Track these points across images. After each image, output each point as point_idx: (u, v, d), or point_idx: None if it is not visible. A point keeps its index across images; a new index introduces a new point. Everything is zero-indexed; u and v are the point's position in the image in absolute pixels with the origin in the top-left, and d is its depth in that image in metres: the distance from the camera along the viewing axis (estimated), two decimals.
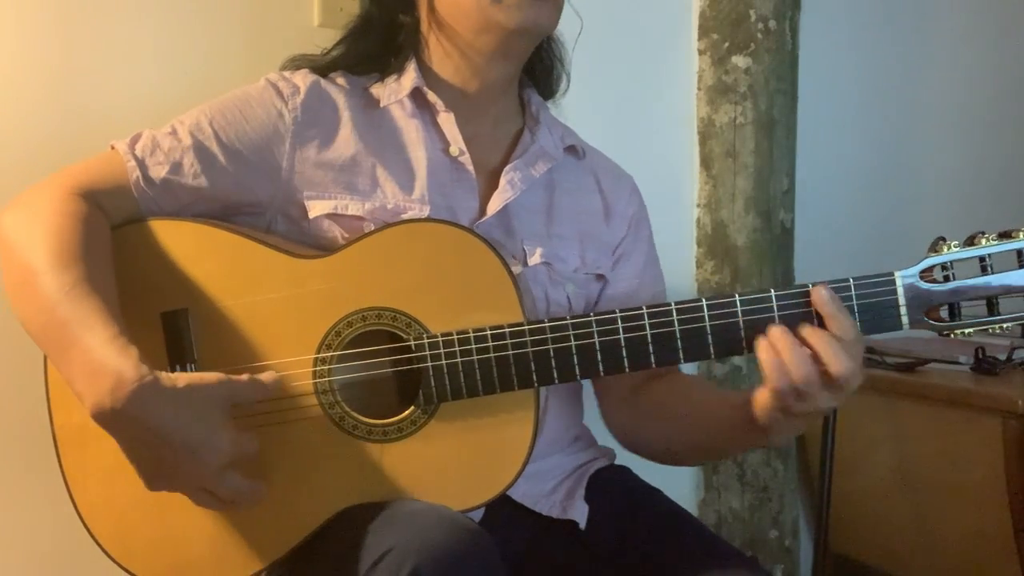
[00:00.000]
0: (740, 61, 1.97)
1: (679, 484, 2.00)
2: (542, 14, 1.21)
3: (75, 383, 1.01)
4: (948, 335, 1.12)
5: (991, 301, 1.10)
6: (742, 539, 2.01)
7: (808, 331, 1.06)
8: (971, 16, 2.36)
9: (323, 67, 1.30)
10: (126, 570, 1.15)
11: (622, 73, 1.95)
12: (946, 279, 1.10)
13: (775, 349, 1.06)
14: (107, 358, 0.99)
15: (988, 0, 2.38)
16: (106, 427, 1.00)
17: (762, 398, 1.09)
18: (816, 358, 1.05)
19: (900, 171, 2.30)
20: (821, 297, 1.08)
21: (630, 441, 1.36)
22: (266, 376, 1.09)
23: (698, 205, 2.02)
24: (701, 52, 2.00)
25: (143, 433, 1.00)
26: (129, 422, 0.99)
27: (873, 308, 1.10)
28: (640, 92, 1.98)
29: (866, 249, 2.16)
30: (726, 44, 1.97)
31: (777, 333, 1.07)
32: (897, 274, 1.10)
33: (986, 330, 1.11)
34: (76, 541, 1.17)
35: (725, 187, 1.99)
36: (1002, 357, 1.79)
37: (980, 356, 1.79)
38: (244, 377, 1.06)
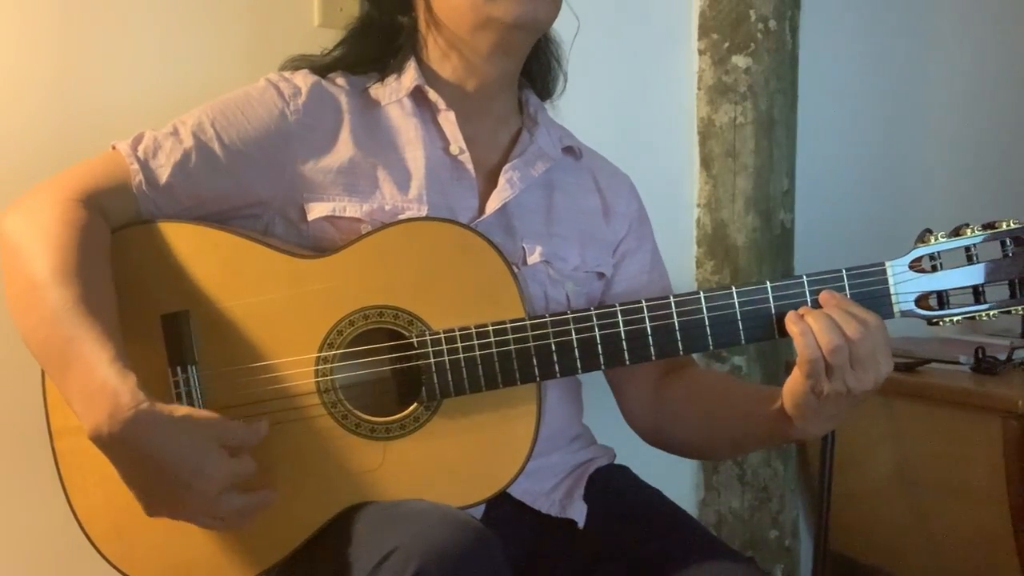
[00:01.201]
0: (740, 61, 1.97)
1: (679, 484, 2.00)
2: (539, 7, 1.21)
3: (73, 402, 1.02)
4: (937, 323, 1.16)
5: (977, 290, 1.14)
6: (742, 539, 2.01)
7: (828, 303, 1.11)
8: (971, 16, 2.36)
9: (323, 68, 1.30)
10: (124, 574, 1.15)
11: (622, 73, 1.95)
12: (934, 269, 1.14)
13: (804, 320, 1.09)
14: (107, 380, 0.99)
15: (988, 1, 2.38)
16: (103, 450, 1.00)
17: (793, 380, 1.11)
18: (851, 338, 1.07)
19: (900, 171, 2.30)
20: (829, 301, 1.11)
21: (655, 440, 1.38)
22: (263, 424, 1.08)
23: (698, 205, 2.02)
24: (701, 52, 2.00)
25: (138, 459, 1.00)
26: (124, 447, 0.99)
27: (866, 297, 1.13)
28: (640, 92, 1.98)
29: (866, 249, 2.14)
30: (726, 44, 1.97)
31: (805, 308, 1.11)
32: (888, 264, 1.14)
33: (973, 317, 1.14)
34: (73, 544, 1.16)
35: (725, 187, 1.99)
36: (1002, 357, 1.79)
37: (980, 356, 1.79)
38: (239, 422, 1.06)
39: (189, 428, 1.01)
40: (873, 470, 1.92)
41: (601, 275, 1.35)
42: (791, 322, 1.10)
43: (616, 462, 1.37)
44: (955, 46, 2.35)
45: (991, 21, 2.39)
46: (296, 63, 1.31)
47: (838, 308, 1.09)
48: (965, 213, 2.21)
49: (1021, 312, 1.13)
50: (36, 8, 1.48)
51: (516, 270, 1.16)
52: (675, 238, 1.97)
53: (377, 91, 1.28)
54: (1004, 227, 1.12)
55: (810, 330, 1.08)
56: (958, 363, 1.82)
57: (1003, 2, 2.39)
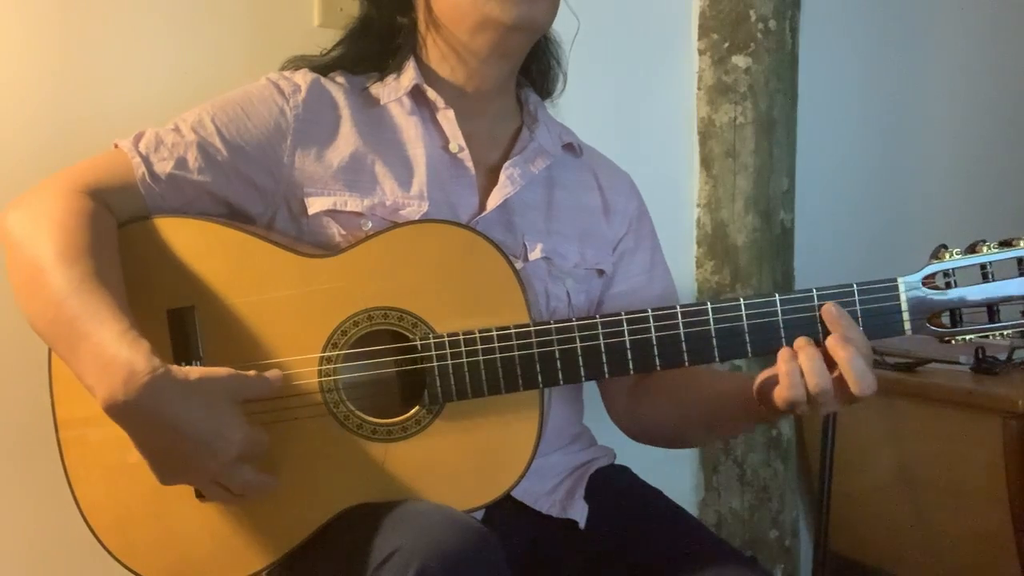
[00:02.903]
0: (740, 61, 1.97)
1: (679, 484, 2.00)
2: (537, 9, 1.22)
3: (85, 376, 1.01)
4: (949, 341, 1.13)
5: (992, 308, 1.12)
6: (742, 539, 2.01)
7: (834, 346, 1.08)
8: (971, 16, 2.37)
9: (323, 67, 1.30)
10: (127, 567, 1.15)
11: (622, 73, 1.95)
12: (948, 286, 1.11)
13: (795, 361, 1.08)
14: (119, 351, 0.99)
15: (988, 1, 2.39)
16: (118, 419, 1.00)
17: (771, 398, 1.11)
18: (840, 376, 1.07)
19: (900, 171, 2.30)
20: (831, 314, 1.10)
21: (634, 430, 1.38)
22: (272, 373, 1.08)
23: (698, 205, 2.03)
24: (701, 52, 2.01)
25: (156, 425, 1.00)
26: (142, 414, 0.99)
27: (877, 313, 1.11)
28: (640, 92, 1.98)
29: (866, 249, 2.17)
30: (726, 44, 1.98)
31: (802, 342, 1.10)
32: (900, 280, 1.12)
33: (986, 336, 1.13)
34: (77, 537, 1.16)
35: (725, 187, 1.99)
36: (1002, 357, 1.79)
37: (980, 356, 1.79)
38: (252, 373, 1.06)
39: (206, 390, 1.01)
40: (873, 470, 1.92)
41: (601, 272, 1.35)
42: (783, 360, 1.09)
43: (616, 462, 1.37)
44: (955, 45, 2.35)
45: (991, 21, 2.39)
46: (296, 63, 1.32)
47: (849, 355, 1.07)
48: (965, 213, 2.24)
49: None
50: (36, 9, 1.48)
51: (518, 267, 1.16)
52: (675, 238, 1.98)
53: (377, 90, 1.28)
54: (1022, 245, 1.09)
55: (798, 371, 1.07)
56: (958, 363, 1.82)
57: (1003, 3, 2.40)
